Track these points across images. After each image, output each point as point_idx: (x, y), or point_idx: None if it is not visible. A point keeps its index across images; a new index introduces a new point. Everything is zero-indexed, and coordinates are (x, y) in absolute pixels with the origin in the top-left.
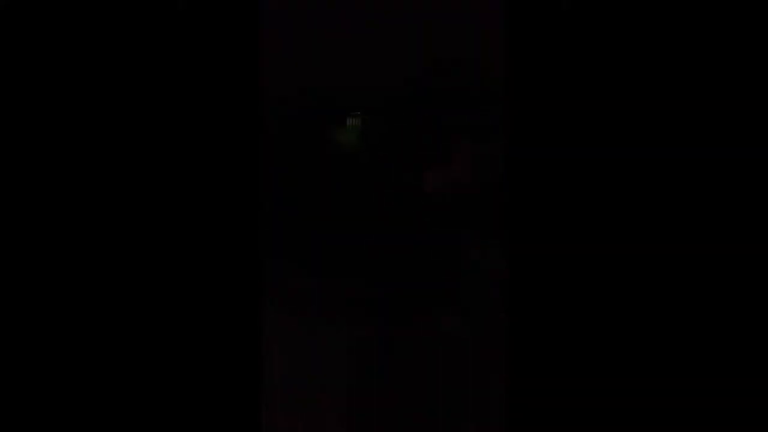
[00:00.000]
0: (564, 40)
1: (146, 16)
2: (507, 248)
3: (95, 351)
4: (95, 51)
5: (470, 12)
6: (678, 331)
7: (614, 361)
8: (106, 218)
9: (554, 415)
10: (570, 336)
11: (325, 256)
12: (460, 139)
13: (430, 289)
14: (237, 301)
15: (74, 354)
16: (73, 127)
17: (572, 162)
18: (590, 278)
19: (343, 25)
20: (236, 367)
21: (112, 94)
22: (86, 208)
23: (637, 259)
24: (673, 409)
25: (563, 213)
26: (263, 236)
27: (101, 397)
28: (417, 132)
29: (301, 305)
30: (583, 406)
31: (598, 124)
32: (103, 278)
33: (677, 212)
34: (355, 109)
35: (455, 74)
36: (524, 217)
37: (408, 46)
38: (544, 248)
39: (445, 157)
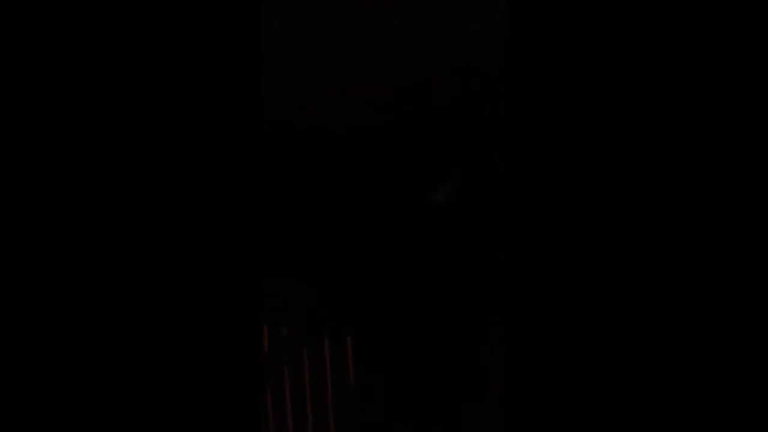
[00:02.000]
0: (564, 40)
1: (146, 15)
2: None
3: (88, 358)
4: (94, 50)
5: (471, 12)
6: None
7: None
8: (102, 221)
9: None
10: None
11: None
12: (461, 144)
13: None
14: (238, 306)
15: (68, 356)
16: (70, 127)
17: (571, 164)
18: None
19: (345, 24)
20: (237, 377)
21: (111, 94)
22: (82, 209)
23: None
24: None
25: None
26: (265, 242)
27: (97, 404)
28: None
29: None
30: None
31: (600, 131)
32: (98, 281)
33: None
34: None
35: (455, 77)
36: (525, 219)
37: (410, 48)
38: (545, 247)
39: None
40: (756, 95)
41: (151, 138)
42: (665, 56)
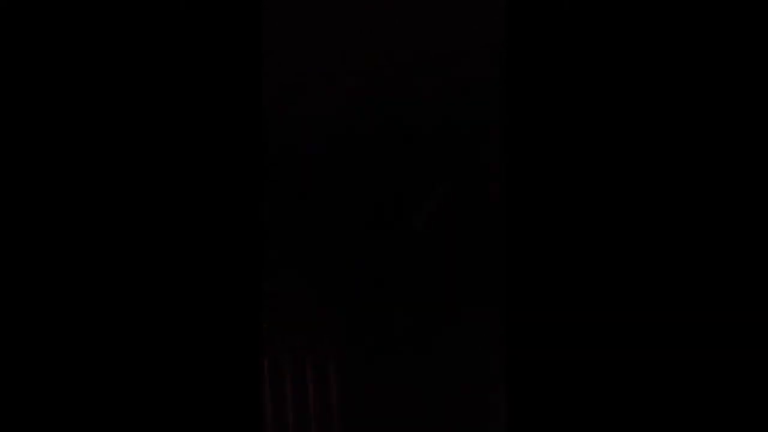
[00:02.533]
0: (564, 40)
1: (146, 16)
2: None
3: (88, 357)
4: (95, 50)
5: (471, 11)
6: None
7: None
8: (102, 221)
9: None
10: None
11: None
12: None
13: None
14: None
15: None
16: (69, 128)
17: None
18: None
19: (345, 22)
20: (236, 378)
21: (111, 95)
22: (82, 210)
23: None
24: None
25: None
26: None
27: (96, 404)
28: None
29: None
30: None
31: (601, 131)
32: (98, 281)
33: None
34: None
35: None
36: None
37: (411, 47)
38: (543, 243)
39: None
40: (755, 95)
41: (151, 138)
42: (664, 56)
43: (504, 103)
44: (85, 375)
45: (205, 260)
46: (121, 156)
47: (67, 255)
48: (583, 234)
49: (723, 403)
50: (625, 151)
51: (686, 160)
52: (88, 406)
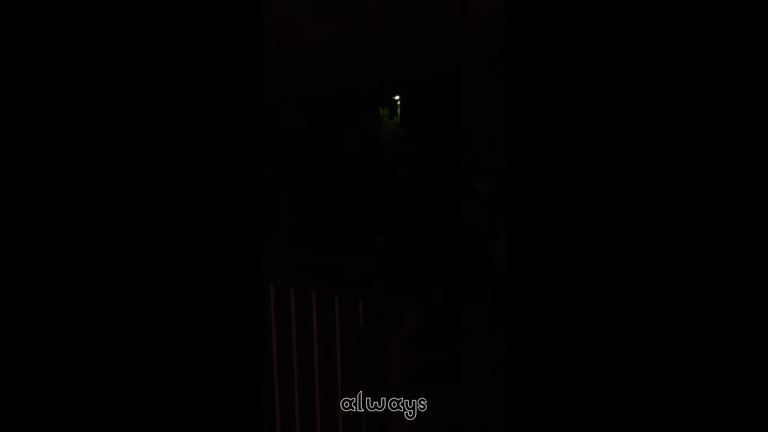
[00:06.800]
0: (566, 32)
1: (146, 15)
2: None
3: (88, 353)
4: (95, 48)
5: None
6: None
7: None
8: (100, 222)
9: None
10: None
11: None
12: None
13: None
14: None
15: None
16: (68, 127)
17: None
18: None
19: (342, 9)
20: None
21: (110, 91)
22: (83, 203)
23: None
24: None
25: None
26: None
27: (94, 399)
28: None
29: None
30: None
31: (603, 127)
32: (98, 273)
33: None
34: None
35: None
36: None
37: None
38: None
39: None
40: (756, 95)
41: (150, 119)
42: (665, 55)
43: (507, 99)
44: (82, 363)
45: (203, 248)
46: (121, 147)
47: (73, 249)
48: (584, 235)
49: None
50: (627, 150)
51: (691, 161)
52: (84, 392)
